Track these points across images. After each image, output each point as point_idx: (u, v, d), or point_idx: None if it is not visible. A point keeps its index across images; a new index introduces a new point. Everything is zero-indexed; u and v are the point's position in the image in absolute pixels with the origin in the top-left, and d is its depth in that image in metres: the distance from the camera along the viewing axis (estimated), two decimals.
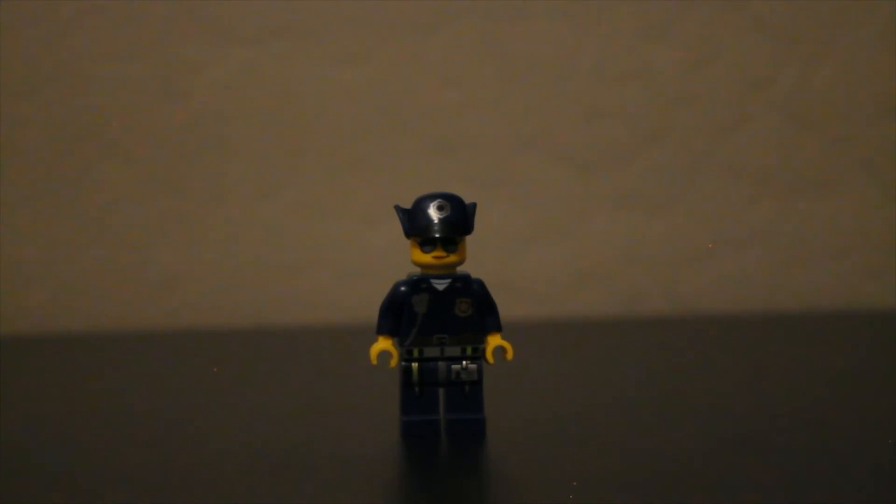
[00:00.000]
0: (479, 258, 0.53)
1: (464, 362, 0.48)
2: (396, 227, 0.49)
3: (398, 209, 0.48)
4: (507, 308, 0.51)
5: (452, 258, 0.48)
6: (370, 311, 0.49)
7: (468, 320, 0.48)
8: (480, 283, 0.49)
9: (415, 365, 0.48)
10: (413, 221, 0.47)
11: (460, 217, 0.47)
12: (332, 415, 0.53)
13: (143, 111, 0.83)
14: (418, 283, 0.48)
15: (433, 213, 0.47)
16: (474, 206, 0.48)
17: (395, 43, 0.83)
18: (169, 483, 0.43)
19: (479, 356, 0.48)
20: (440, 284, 0.48)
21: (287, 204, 0.84)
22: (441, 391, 0.48)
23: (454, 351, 0.48)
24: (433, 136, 0.84)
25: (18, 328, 0.82)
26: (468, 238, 0.48)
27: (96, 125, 0.83)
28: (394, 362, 0.48)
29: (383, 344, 0.48)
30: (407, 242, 0.48)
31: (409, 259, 0.48)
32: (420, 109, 0.83)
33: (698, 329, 0.78)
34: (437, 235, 0.47)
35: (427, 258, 0.47)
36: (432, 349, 0.48)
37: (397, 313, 0.48)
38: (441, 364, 0.48)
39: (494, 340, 0.49)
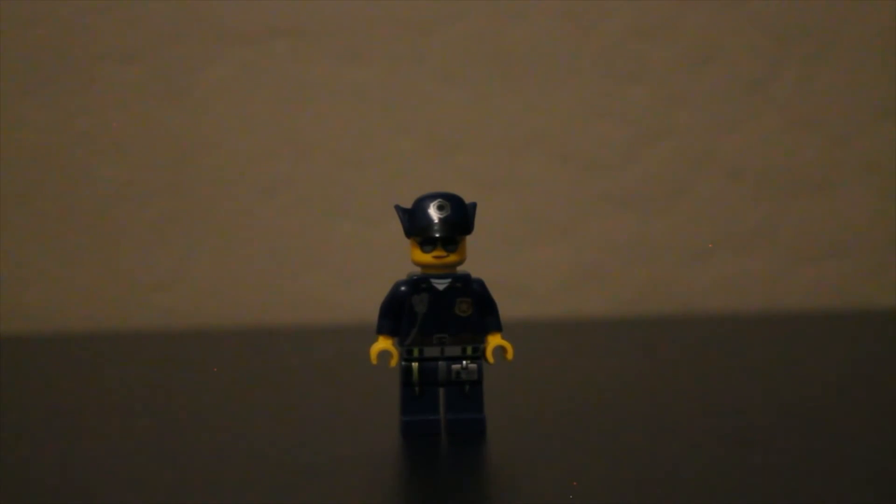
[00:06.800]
0: (479, 258, 0.53)
1: (464, 362, 0.48)
2: (397, 226, 0.49)
3: (398, 209, 0.48)
4: (507, 308, 0.51)
5: (452, 258, 0.48)
6: (370, 311, 0.49)
7: (468, 320, 0.48)
8: (480, 283, 0.49)
9: (415, 364, 0.48)
10: (413, 221, 0.47)
11: (460, 217, 0.47)
12: (332, 415, 0.53)
13: (143, 111, 0.83)
14: (418, 283, 0.48)
15: (433, 212, 0.47)
16: (474, 205, 0.48)
17: (395, 43, 0.83)
18: (169, 483, 0.43)
19: (479, 356, 0.48)
20: (440, 284, 0.48)
21: (287, 204, 0.84)
22: (441, 391, 0.48)
23: (454, 351, 0.48)
24: (433, 136, 0.84)
25: (17, 328, 0.82)
26: (468, 238, 0.48)
27: (96, 125, 0.83)
28: (394, 362, 0.48)
29: (383, 344, 0.48)
30: (407, 242, 0.48)
31: (409, 259, 0.48)
32: (420, 109, 0.83)
33: (698, 329, 0.78)
34: (437, 235, 0.47)
35: (427, 258, 0.47)
36: (432, 349, 0.48)
37: (397, 313, 0.48)
38: (441, 364, 0.48)
39: (494, 340, 0.49)
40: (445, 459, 0.46)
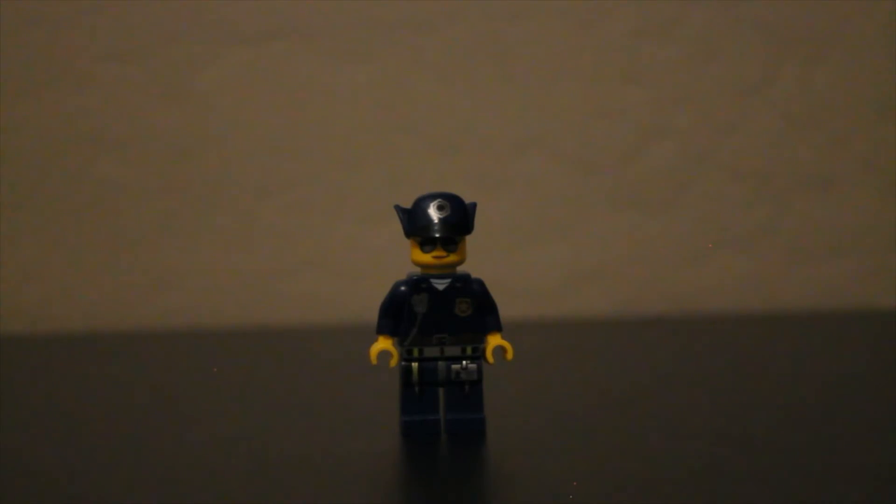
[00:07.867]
0: (479, 258, 0.53)
1: (464, 362, 0.48)
2: (396, 226, 0.49)
3: (398, 209, 0.48)
4: (507, 308, 0.51)
5: (452, 258, 0.48)
6: (370, 311, 0.49)
7: (468, 320, 0.48)
8: (480, 283, 0.49)
9: (415, 365, 0.48)
10: (413, 221, 0.47)
11: (460, 217, 0.47)
12: (333, 415, 0.53)
13: (143, 111, 0.83)
14: (418, 283, 0.48)
15: (433, 212, 0.47)
16: (474, 205, 0.48)
17: (395, 42, 0.83)
18: (168, 483, 0.43)
19: (478, 356, 0.48)
20: (440, 284, 0.48)
21: (287, 204, 0.84)
22: (441, 391, 0.48)
23: (454, 351, 0.48)
24: (433, 136, 0.84)
25: (17, 328, 0.82)
26: (468, 238, 0.48)
27: (96, 125, 0.83)
28: (394, 362, 0.48)
29: (383, 344, 0.48)
30: (407, 242, 0.48)
31: (409, 259, 0.48)
32: (420, 109, 0.83)
33: (698, 329, 0.78)
34: (436, 235, 0.47)
35: (427, 258, 0.47)
36: (432, 349, 0.48)
37: (397, 313, 0.48)
38: (441, 364, 0.48)
39: (494, 340, 0.49)
40: (445, 459, 0.46)
